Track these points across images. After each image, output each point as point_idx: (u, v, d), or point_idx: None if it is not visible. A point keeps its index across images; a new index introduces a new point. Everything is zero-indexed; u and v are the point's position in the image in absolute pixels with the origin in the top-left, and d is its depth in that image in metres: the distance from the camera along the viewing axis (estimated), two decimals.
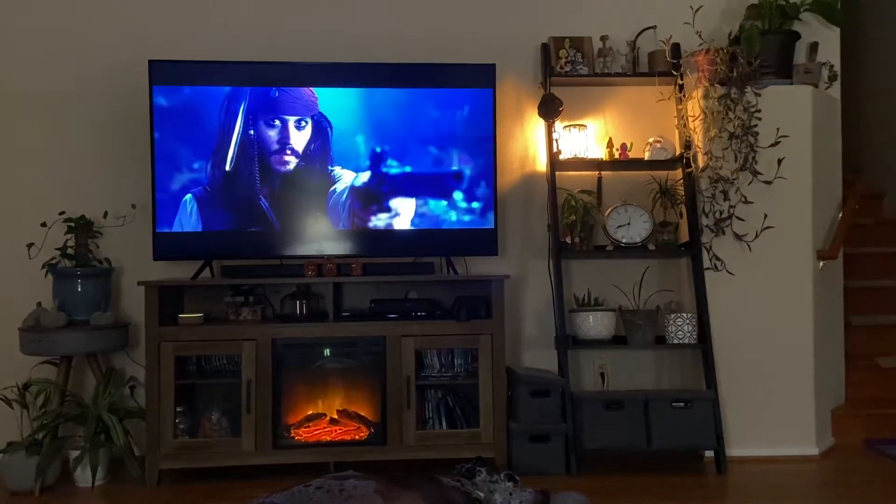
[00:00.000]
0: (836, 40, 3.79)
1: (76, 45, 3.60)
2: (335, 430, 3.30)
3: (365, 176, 3.40)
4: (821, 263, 3.56)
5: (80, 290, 3.33)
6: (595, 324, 3.47)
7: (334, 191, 3.39)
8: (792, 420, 3.47)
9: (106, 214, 3.49)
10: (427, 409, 3.41)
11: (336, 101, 3.39)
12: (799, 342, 3.48)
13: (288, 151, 3.37)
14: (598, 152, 3.68)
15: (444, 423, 3.37)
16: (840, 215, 3.80)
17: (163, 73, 3.31)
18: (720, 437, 3.26)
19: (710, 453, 3.35)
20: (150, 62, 3.32)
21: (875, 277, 4.51)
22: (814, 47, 3.64)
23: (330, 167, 3.39)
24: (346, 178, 3.39)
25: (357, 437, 3.28)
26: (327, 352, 3.36)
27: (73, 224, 3.39)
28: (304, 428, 3.28)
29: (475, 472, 2.41)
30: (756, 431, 3.45)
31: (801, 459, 3.41)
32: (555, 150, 3.56)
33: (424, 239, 3.43)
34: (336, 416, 3.34)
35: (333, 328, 3.28)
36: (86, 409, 3.19)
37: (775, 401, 3.46)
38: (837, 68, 3.77)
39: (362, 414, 3.34)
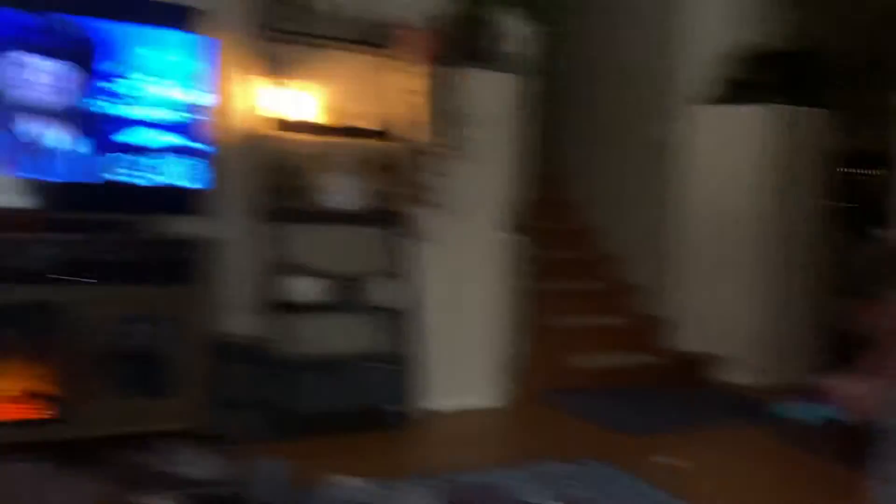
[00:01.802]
0: (537, 35, 4.21)
1: None
2: (15, 409, 2.89)
3: (58, 119, 2.96)
4: (512, 235, 4.00)
5: None
6: (308, 289, 3.48)
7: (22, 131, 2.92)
8: (480, 376, 3.89)
9: None
10: (122, 381, 3.12)
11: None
12: (491, 305, 3.90)
13: None
14: (319, 117, 3.66)
15: (141, 396, 3.13)
16: (530, 194, 4.28)
17: None
18: (419, 394, 3.53)
19: (407, 410, 3.60)
20: None
21: (552, 249, 5.16)
22: (518, 38, 4.01)
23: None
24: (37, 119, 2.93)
25: (40, 417, 2.91)
26: None
27: None
28: None
29: (170, 446, 2.29)
30: (451, 387, 3.78)
31: (487, 411, 3.83)
32: (274, 111, 3.46)
33: (124, 195, 3.11)
34: (16, 393, 2.92)
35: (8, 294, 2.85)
36: None
37: (467, 358, 3.84)
38: (537, 61, 4.21)
39: (45, 390, 2.96)
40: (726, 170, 4.75)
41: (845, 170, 7.79)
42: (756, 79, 4.71)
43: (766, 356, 4.67)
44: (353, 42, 3.64)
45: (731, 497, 2.81)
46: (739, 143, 4.71)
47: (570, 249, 5.34)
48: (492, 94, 3.80)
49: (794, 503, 2.74)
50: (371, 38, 3.66)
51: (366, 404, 3.41)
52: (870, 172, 7.43)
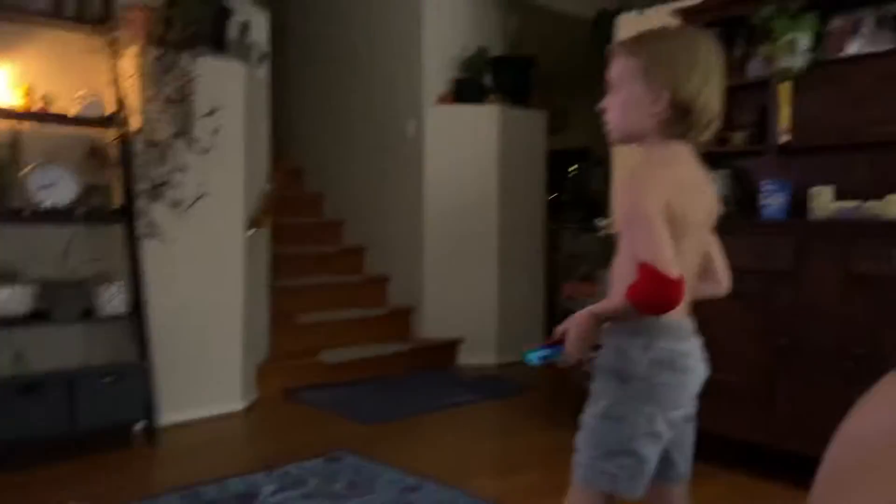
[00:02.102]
0: (265, 23, 4.06)
1: None
2: None
3: None
4: (251, 231, 3.81)
5: None
6: (9, 299, 3.01)
7: None
8: (221, 380, 3.65)
9: None
10: None
11: None
12: (230, 305, 3.67)
13: None
14: (14, 101, 3.18)
15: None
16: (268, 187, 4.13)
17: None
18: (152, 408, 3.22)
19: (140, 425, 3.28)
20: None
21: (296, 244, 5.07)
22: (245, 26, 3.83)
23: None
24: None
25: None
26: None
27: None
28: None
29: None
30: (189, 396, 3.51)
31: (229, 416, 3.62)
32: None
33: None
34: None
35: None
36: None
37: (206, 363, 3.59)
38: (267, 50, 4.06)
39: None
40: (458, 165, 5.00)
41: (570, 167, 8.67)
42: (482, 81, 5.03)
43: (502, 337, 5.01)
44: (58, 18, 3.22)
45: (474, 469, 2.95)
46: (468, 139, 4.99)
47: (316, 244, 5.29)
48: (224, 82, 3.58)
49: (517, 467, 2.94)
50: (82, 14, 3.26)
51: (93, 423, 3.03)
52: (585, 168, 8.36)
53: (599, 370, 1.44)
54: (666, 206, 1.31)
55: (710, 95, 1.36)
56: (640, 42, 1.41)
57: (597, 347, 1.45)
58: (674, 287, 1.27)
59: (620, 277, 1.38)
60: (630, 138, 1.45)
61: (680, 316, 1.39)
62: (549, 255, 5.81)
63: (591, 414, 1.43)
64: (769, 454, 2.81)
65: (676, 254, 1.30)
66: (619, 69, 1.42)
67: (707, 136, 1.42)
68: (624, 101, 1.41)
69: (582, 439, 1.44)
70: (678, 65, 1.35)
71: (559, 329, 1.44)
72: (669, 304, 1.30)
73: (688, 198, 1.36)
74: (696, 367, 1.41)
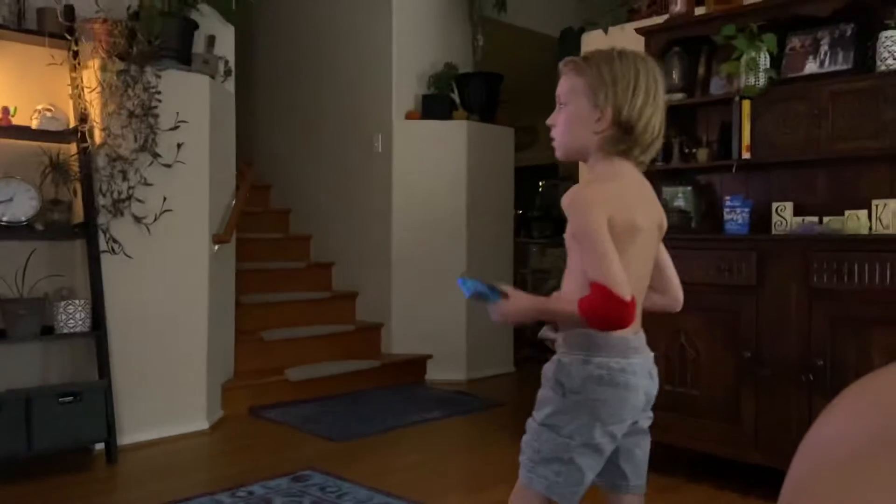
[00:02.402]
0: (231, 37, 4.03)
1: None
2: None
3: None
4: (216, 247, 3.76)
5: None
6: None
7: None
8: (185, 399, 3.58)
9: None
10: None
11: None
12: (194, 322, 3.61)
13: None
14: None
15: None
16: (234, 202, 4.08)
17: None
18: (111, 428, 3.14)
19: (101, 446, 3.20)
20: None
21: (262, 260, 5.01)
22: (211, 40, 3.80)
23: None
24: None
25: None
26: None
27: None
28: None
29: None
30: (152, 415, 3.44)
31: (194, 435, 3.55)
32: None
33: None
34: None
35: None
36: None
37: (170, 382, 3.51)
38: (232, 64, 4.03)
39: None
40: (427, 181, 5.00)
41: (538, 183, 8.73)
42: (450, 97, 5.06)
43: (471, 352, 5.00)
44: (19, 30, 3.17)
45: (444, 486, 2.92)
46: (436, 155, 5.00)
47: (283, 259, 5.23)
48: (188, 96, 3.54)
49: (488, 483, 2.93)
50: (43, 26, 3.21)
51: (52, 444, 2.94)
52: (553, 184, 8.44)
53: (545, 378, 1.48)
54: (610, 220, 1.35)
55: (652, 115, 1.42)
56: (587, 61, 1.45)
57: (556, 330, 1.49)
58: (625, 308, 1.31)
59: (570, 293, 1.42)
60: (574, 154, 1.50)
61: (626, 332, 1.41)
62: (517, 270, 5.84)
63: (535, 419, 1.48)
64: (735, 467, 2.84)
65: (624, 262, 1.34)
66: (566, 86, 1.47)
67: (650, 155, 1.47)
68: (569, 117, 1.46)
69: (525, 441, 1.49)
70: (622, 85, 1.40)
71: (511, 292, 1.46)
72: (619, 324, 1.34)
73: (633, 210, 1.41)
74: (637, 382, 1.43)
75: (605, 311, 1.31)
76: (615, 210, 1.36)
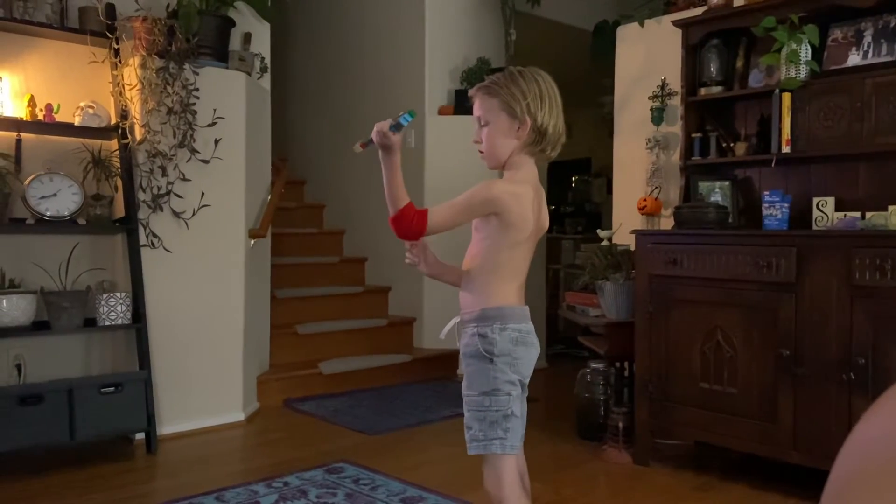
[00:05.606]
0: (266, 34, 4.08)
1: None
2: None
3: None
4: (252, 241, 3.81)
5: None
6: (10, 308, 3.01)
7: None
8: (222, 391, 3.63)
9: None
10: None
11: None
12: (231, 316, 3.66)
13: None
14: (17, 110, 3.19)
15: None
16: (269, 198, 4.13)
17: None
18: (151, 418, 3.20)
19: (141, 436, 3.27)
20: None
21: (297, 255, 5.07)
22: (247, 37, 3.84)
23: None
24: None
25: None
26: None
27: None
28: None
29: None
30: (190, 406, 3.50)
31: (230, 426, 3.60)
32: None
33: None
34: None
35: None
36: None
37: (207, 374, 3.57)
38: (268, 61, 4.07)
39: None
40: (459, 176, 4.98)
41: (571, 178, 8.66)
42: None
43: None
44: (61, 28, 3.24)
45: (475, 482, 2.93)
46: (469, 150, 4.96)
47: (317, 254, 5.28)
48: (225, 93, 3.59)
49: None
50: (85, 25, 3.28)
51: (93, 434, 3.02)
52: (586, 179, 8.36)
53: (470, 357, 1.72)
54: (509, 212, 1.64)
55: (557, 118, 1.71)
56: (497, 84, 1.71)
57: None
58: (416, 233, 1.72)
59: (470, 255, 1.84)
60: (502, 161, 1.75)
61: (520, 304, 1.74)
62: (549, 266, 5.81)
63: (473, 392, 1.71)
64: (772, 466, 2.79)
65: (516, 253, 1.69)
66: (483, 108, 1.74)
67: (557, 150, 1.75)
68: (493, 132, 1.72)
69: (470, 417, 1.72)
70: (531, 98, 1.67)
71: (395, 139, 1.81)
72: (405, 235, 1.75)
73: (532, 211, 1.69)
74: (535, 342, 1.75)
75: (409, 221, 1.68)
76: (521, 207, 1.66)
